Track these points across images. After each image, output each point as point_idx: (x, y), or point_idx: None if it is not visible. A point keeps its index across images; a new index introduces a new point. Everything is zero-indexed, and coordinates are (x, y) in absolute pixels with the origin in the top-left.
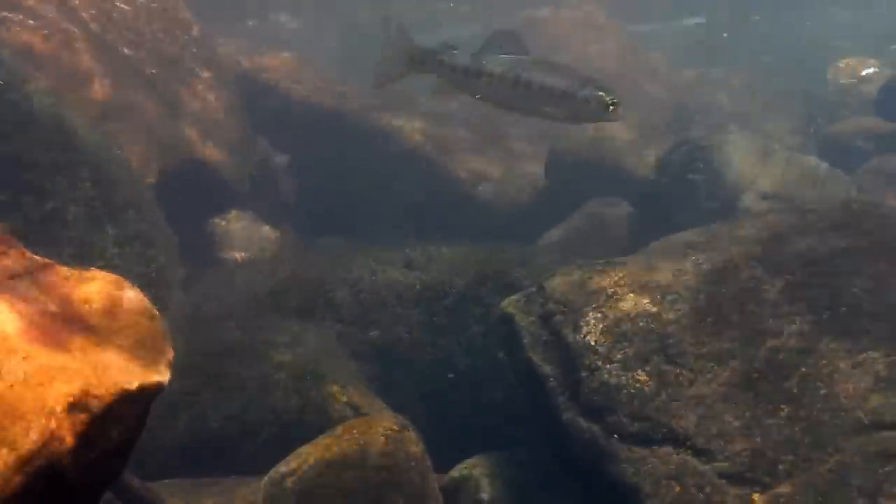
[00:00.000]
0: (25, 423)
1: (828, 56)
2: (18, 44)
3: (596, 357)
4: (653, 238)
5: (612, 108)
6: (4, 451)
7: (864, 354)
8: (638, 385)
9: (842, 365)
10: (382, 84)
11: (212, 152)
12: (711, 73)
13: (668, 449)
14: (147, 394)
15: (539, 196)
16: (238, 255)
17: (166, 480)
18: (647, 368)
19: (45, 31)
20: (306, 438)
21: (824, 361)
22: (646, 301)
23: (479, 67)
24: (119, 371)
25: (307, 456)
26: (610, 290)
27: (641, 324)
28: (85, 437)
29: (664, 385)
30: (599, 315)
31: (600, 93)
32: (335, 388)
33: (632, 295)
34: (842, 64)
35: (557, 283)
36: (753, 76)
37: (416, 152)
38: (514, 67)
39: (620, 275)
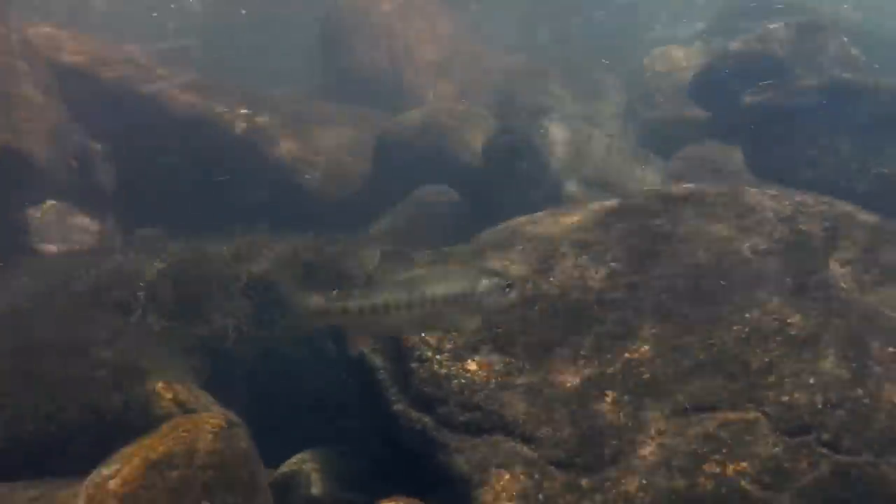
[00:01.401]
0: None
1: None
2: None
3: (426, 348)
4: (482, 225)
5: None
6: None
7: (683, 338)
8: (468, 375)
9: (663, 349)
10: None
11: (24, 141)
12: (534, 60)
13: (498, 437)
14: None
15: (368, 183)
16: (53, 248)
17: None
18: (477, 358)
19: None
20: (130, 438)
21: (646, 347)
22: None
23: (382, 303)
24: None
25: (130, 456)
26: None
27: None
28: None
29: (494, 374)
30: None
31: (496, 280)
32: (159, 385)
33: None
34: (659, 51)
35: None
36: (573, 61)
37: (241, 140)
38: (414, 289)
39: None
